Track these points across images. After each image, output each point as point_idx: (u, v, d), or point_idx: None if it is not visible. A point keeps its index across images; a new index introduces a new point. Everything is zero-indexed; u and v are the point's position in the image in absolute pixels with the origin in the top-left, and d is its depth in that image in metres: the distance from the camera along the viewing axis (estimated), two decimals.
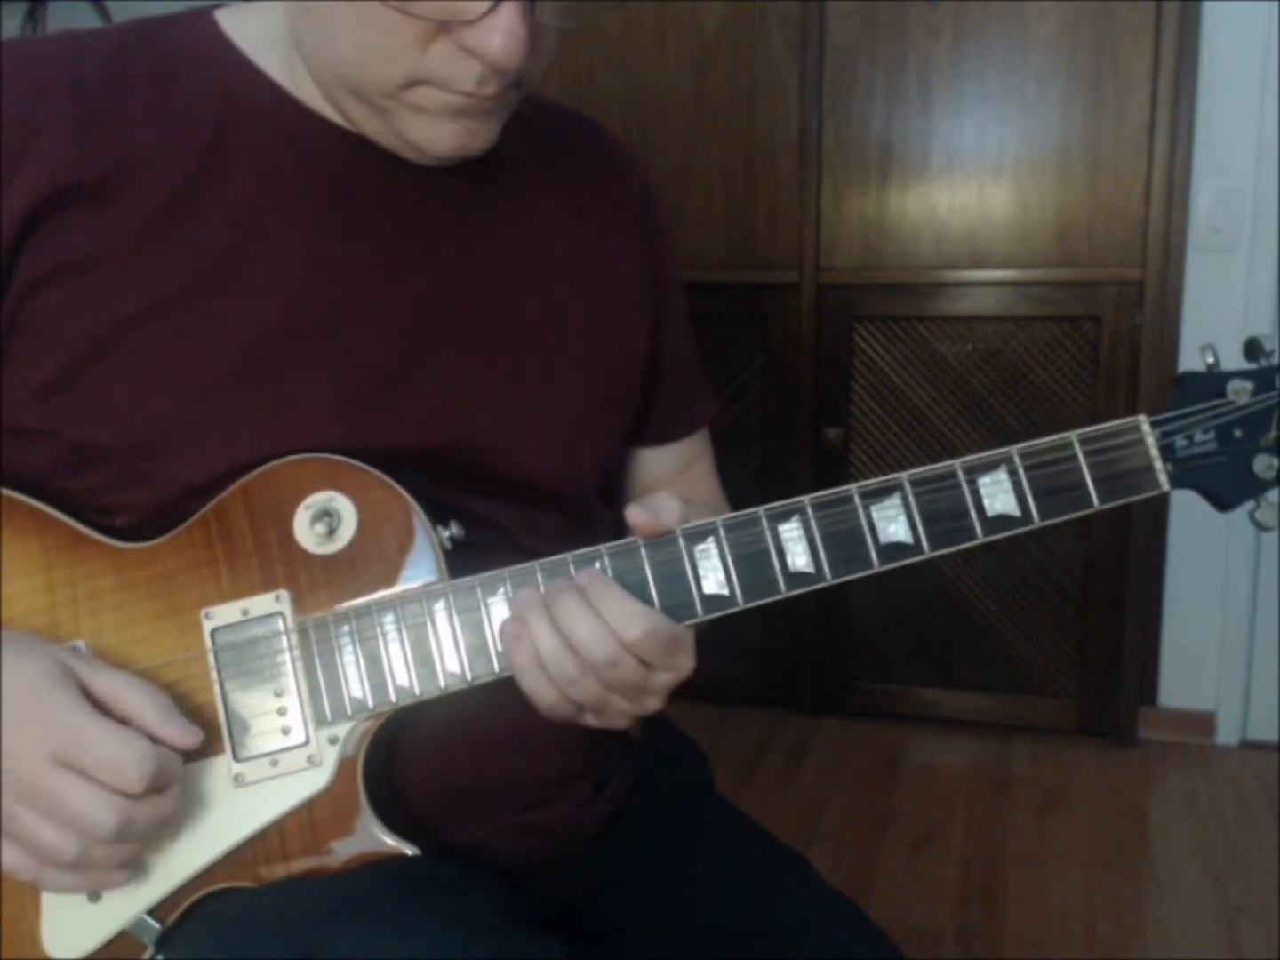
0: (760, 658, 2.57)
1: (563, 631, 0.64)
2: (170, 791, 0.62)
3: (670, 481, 0.91)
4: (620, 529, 0.87)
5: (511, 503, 0.75)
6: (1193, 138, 2.21)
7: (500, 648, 0.67)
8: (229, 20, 0.73)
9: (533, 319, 0.76)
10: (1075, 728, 2.44)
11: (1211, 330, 2.25)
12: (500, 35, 0.61)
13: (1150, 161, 2.19)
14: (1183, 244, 2.24)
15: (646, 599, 0.67)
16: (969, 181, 2.30)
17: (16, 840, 0.60)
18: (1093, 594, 2.39)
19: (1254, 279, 2.24)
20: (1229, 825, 2.11)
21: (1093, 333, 2.29)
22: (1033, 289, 2.30)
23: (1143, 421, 0.70)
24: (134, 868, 0.64)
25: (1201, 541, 2.35)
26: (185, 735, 0.62)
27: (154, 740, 0.60)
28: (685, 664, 0.67)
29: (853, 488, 0.69)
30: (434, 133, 0.67)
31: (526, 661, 0.65)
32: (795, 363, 2.45)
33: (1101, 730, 2.42)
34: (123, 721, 0.61)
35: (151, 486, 0.68)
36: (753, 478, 2.52)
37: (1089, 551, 2.36)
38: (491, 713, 0.70)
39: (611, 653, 0.63)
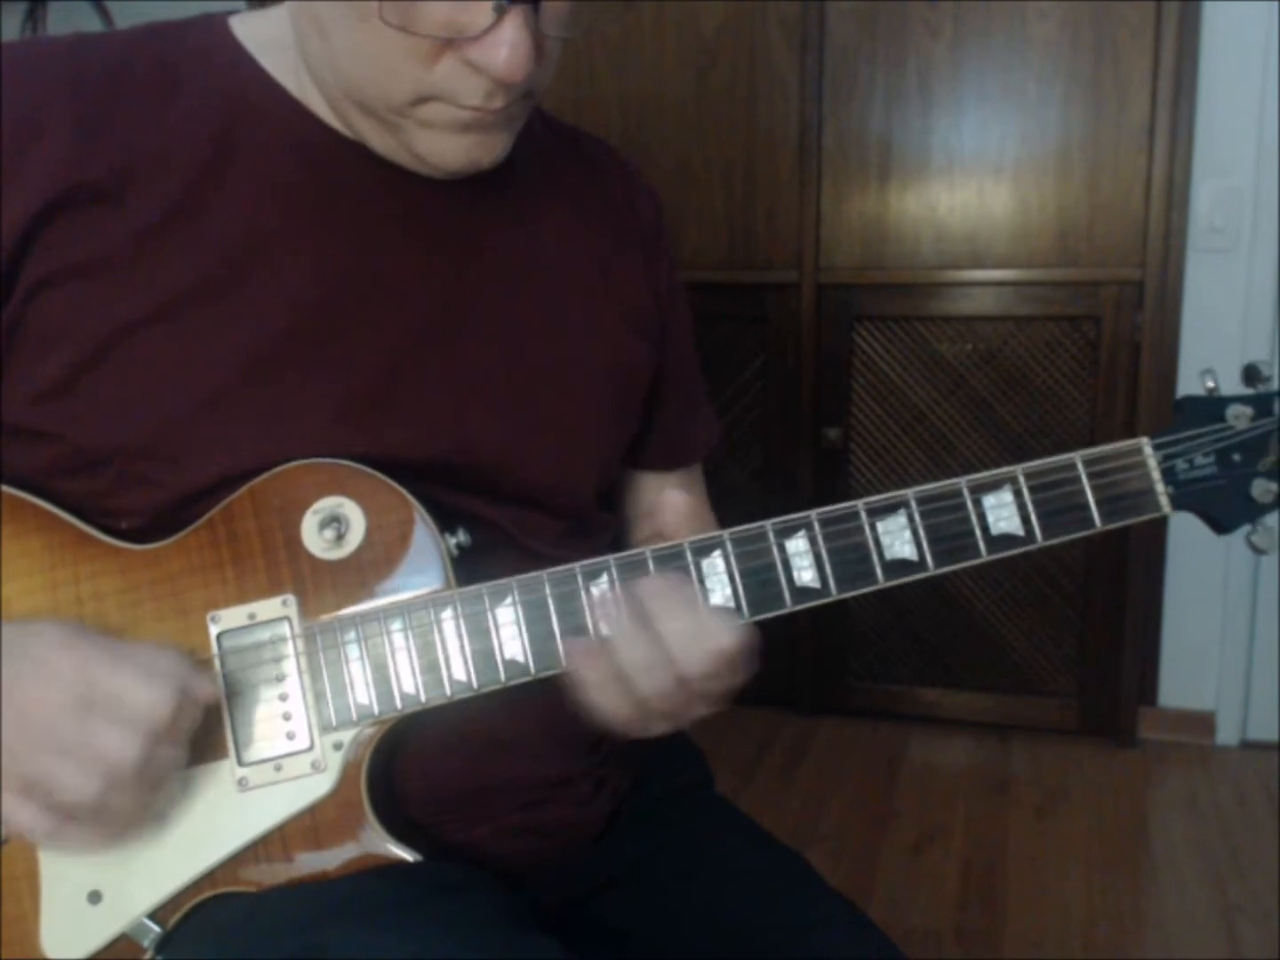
0: (760, 657, 2.57)
1: (662, 644, 0.65)
2: (184, 742, 0.62)
3: None
4: (619, 532, 0.87)
5: (513, 506, 0.75)
6: (1193, 138, 2.21)
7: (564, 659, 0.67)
8: (242, 25, 0.73)
9: (537, 326, 0.76)
10: (1075, 728, 2.44)
11: (1211, 330, 2.26)
12: (505, 49, 0.61)
13: (1150, 161, 2.19)
14: (1183, 244, 2.24)
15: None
16: (969, 181, 2.30)
17: (37, 793, 0.59)
18: (1093, 594, 2.39)
19: (1254, 279, 2.24)
20: (1229, 825, 2.11)
21: (1093, 333, 2.29)
22: (1033, 289, 2.30)
23: (1145, 444, 0.71)
24: (148, 823, 0.64)
25: (1201, 542, 2.34)
26: (206, 685, 0.63)
27: None
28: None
29: (859, 504, 0.69)
30: (444, 147, 0.67)
31: (602, 677, 0.65)
32: (795, 363, 2.45)
33: (1101, 730, 2.42)
34: None
35: (151, 490, 0.67)
36: (753, 478, 2.52)
37: (1089, 552, 2.36)
38: (492, 714, 0.70)
39: (711, 664, 0.66)
